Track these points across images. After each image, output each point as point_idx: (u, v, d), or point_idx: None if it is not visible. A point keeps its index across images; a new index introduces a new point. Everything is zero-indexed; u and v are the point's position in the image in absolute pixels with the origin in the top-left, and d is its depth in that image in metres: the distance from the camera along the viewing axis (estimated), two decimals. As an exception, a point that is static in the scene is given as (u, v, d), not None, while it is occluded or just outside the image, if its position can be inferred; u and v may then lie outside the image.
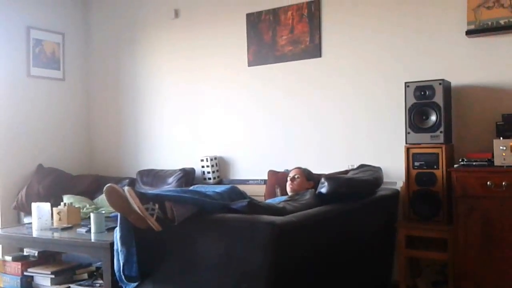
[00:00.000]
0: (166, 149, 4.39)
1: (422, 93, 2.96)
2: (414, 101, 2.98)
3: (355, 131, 3.52)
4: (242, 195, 2.49)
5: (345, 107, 3.57)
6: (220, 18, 4.09)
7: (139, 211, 2.19)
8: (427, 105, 2.94)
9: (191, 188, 2.63)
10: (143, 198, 2.22)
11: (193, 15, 4.22)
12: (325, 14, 3.61)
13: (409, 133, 2.98)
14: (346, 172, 3.07)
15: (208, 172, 3.99)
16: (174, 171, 4.10)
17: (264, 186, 3.61)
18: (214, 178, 3.99)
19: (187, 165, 4.14)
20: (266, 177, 3.62)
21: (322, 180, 2.59)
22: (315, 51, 3.64)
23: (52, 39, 4.45)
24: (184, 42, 4.28)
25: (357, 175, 2.86)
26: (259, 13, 3.88)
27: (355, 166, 3.17)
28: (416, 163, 2.96)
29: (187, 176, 4.04)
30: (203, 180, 4.01)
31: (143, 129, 4.53)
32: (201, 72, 4.20)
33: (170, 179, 4.06)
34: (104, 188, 2.25)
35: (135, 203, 2.19)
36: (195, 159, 4.08)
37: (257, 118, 3.94)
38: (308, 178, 3.06)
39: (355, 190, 2.65)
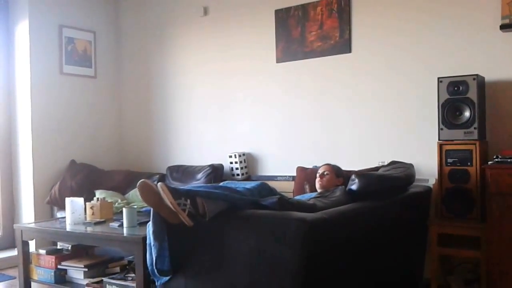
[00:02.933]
0: (195, 145, 4.43)
1: (456, 88, 2.90)
2: (448, 96, 2.92)
3: (386, 127, 3.48)
4: (271, 191, 2.49)
5: (375, 102, 3.53)
6: (248, 14, 4.09)
7: (171, 206, 2.22)
8: (460, 100, 2.88)
9: (221, 184, 2.64)
10: (176, 193, 2.25)
11: (222, 12, 4.24)
12: (356, 9, 3.58)
13: (442, 129, 2.93)
14: (377, 169, 3.03)
15: (237, 168, 4.01)
16: (203, 167, 4.14)
17: (293, 182, 3.61)
18: (242, 174, 4.01)
19: (216, 161, 4.18)
20: (294, 174, 3.62)
21: (353, 177, 2.57)
22: (344, 46, 3.61)
23: (84, 37, 4.54)
24: (212, 39, 4.30)
25: (388, 172, 2.82)
26: (288, 9, 3.86)
27: (386, 163, 3.13)
28: (449, 160, 2.91)
29: (216, 172, 4.08)
30: (231, 176, 4.03)
31: (172, 126, 4.58)
32: (229, 68, 4.22)
33: (199, 175, 4.10)
34: (138, 183, 2.29)
35: (167, 199, 2.22)
36: (223, 155, 4.11)
37: (286, 114, 3.94)
38: (338, 174, 3.04)
39: (386, 187, 2.61)
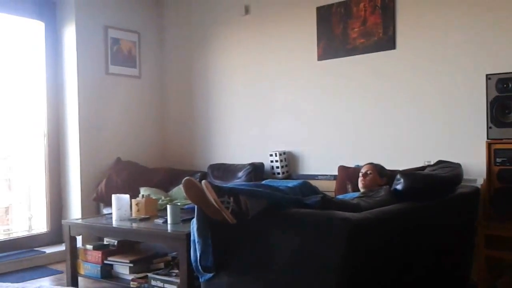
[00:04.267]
0: (236, 144, 4.46)
1: (505, 85, 2.81)
2: (496, 94, 2.83)
3: (431, 125, 3.39)
4: (314, 190, 2.48)
5: (420, 100, 3.44)
6: (290, 12, 4.08)
7: (215, 203, 2.24)
8: (510, 98, 2.78)
9: (263, 182, 2.65)
10: (219, 191, 2.27)
11: (263, 10, 4.25)
12: (400, 4, 3.50)
13: (490, 127, 2.83)
14: (423, 168, 2.96)
15: (277, 167, 4.01)
16: (243, 166, 4.16)
17: (334, 181, 3.57)
18: (283, 173, 4.01)
19: (256, 159, 4.19)
20: (336, 173, 3.58)
21: (398, 176, 2.51)
22: (388, 43, 3.54)
23: (129, 38, 4.65)
24: (254, 38, 4.31)
25: (435, 171, 2.75)
26: (330, 6, 3.83)
27: (431, 163, 3.05)
28: (498, 159, 2.81)
29: (256, 170, 4.09)
30: (271, 175, 4.04)
31: (214, 124, 4.63)
32: (270, 67, 4.22)
33: (240, 174, 4.12)
34: (183, 181, 2.32)
35: (211, 196, 2.24)
36: (264, 154, 4.12)
37: (327, 112, 3.91)
38: (381, 174, 2.98)
39: (433, 188, 2.55)
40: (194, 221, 2.44)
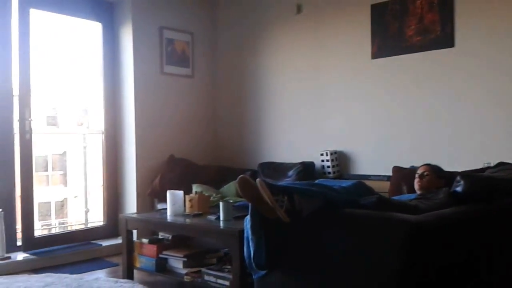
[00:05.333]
0: (287, 142, 4.46)
1: None
2: None
3: (491, 126, 3.26)
4: (369, 190, 2.44)
5: (479, 99, 3.32)
6: (343, 10, 4.04)
7: (269, 202, 2.25)
8: None
9: (316, 181, 2.64)
10: (273, 189, 2.28)
11: (315, 9, 4.22)
12: (459, 0, 3.39)
13: (558, 129, 2.69)
14: (483, 170, 2.85)
15: (328, 167, 3.98)
16: (294, 165, 4.16)
17: (388, 182, 3.50)
18: (334, 172, 3.97)
19: (307, 159, 4.17)
20: (390, 173, 3.51)
21: (458, 178, 2.43)
22: (447, 40, 3.43)
23: (183, 39, 4.74)
24: (306, 37, 4.30)
25: (495, 174, 2.65)
26: (385, 3, 3.75)
27: (491, 164, 2.93)
28: None
29: (307, 170, 4.08)
30: (322, 174, 4.01)
31: (265, 123, 4.65)
32: (322, 66, 4.19)
33: (290, 172, 4.12)
34: (237, 179, 2.34)
35: (265, 194, 2.25)
36: (315, 153, 4.10)
37: (381, 111, 3.84)
38: (439, 175, 2.88)
39: (495, 191, 2.45)
40: (248, 218, 2.47)
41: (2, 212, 3.68)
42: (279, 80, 4.53)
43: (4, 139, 3.84)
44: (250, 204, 2.42)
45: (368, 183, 3.37)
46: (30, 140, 3.95)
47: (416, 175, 2.93)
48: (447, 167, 3.05)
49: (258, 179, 2.31)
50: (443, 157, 3.35)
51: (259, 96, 4.69)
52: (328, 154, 3.97)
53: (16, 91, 3.93)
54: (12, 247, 3.83)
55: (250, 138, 4.76)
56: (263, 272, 2.44)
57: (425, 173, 2.89)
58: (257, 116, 4.71)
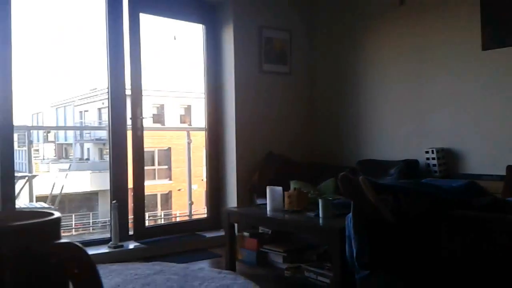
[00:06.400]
0: (388, 140, 4.33)
1: None
2: None
3: None
4: (481, 191, 2.30)
5: None
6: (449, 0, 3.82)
7: (373, 201, 2.21)
8: None
9: (423, 181, 2.54)
10: (378, 188, 2.23)
11: None
12: None
13: None
14: None
15: (434, 165, 3.79)
16: (395, 162, 4.01)
17: (501, 182, 3.26)
18: (441, 171, 3.77)
19: (410, 156, 4.01)
20: (503, 173, 3.26)
21: None
22: None
23: (281, 37, 4.79)
24: (409, 29, 4.13)
25: None
26: (498, -11, 3.48)
27: None
28: None
29: (410, 168, 3.91)
30: (427, 173, 3.82)
31: (364, 119, 4.55)
32: (426, 59, 4.00)
33: (392, 170, 3.98)
34: (339, 176, 2.33)
35: (369, 193, 2.21)
36: (418, 150, 3.93)
37: (493, 106, 3.57)
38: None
39: None
40: (350, 216, 2.44)
41: (116, 204, 3.99)
42: (380, 74, 4.40)
43: (119, 136, 4.16)
44: (352, 203, 2.39)
45: (479, 183, 3.20)
46: (141, 137, 4.24)
47: (536, 176, 2.70)
48: None
49: (361, 177, 2.27)
50: None
51: (359, 91, 4.59)
52: (434, 151, 3.78)
53: (128, 91, 4.25)
54: (124, 236, 4.12)
55: (348, 135, 4.69)
56: (366, 272, 2.40)
57: (547, 174, 2.65)
58: (356, 112, 4.62)
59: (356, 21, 4.59)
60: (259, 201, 4.23)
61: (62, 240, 0.49)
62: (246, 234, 3.57)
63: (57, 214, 0.48)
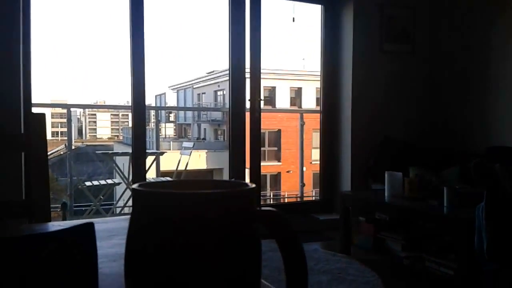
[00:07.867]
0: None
1: None
2: None
3: None
4: None
5: None
6: None
7: (510, 191, 2.04)
8: None
9: None
10: (517, 178, 2.05)
11: None
12: None
13: None
14: None
15: None
16: (534, 150, 3.64)
17: None
18: None
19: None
20: None
21: None
22: None
23: (403, 15, 4.56)
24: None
25: None
26: None
27: None
28: None
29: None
30: None
31: (494, 101, 4.17)
32: None
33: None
34: (472, 164, 2.18)
35: (507, 183, 2.05)
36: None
37: None
38: None
39: None
40: (482, 206, 2.28)
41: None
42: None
43: (239, 118, 4.31)
44: (485, 192, 2.23)
45: None
46: (259, 118, 4.35)
47: None
48: None
49: (498, 165, 2.10)
50: None
51: (488, 71, 4.21)
52: None
53: (247, 74, 4.36)
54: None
55: (475, 119, 4.34)
56: (496, 264, 2.23)
57: None
58: (484, 93, 4.25)
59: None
60: (374, 186, 4.13)
61: (265, 208, 0.52)
62: (362, 219, 3.51)
63: (252, 184, 0.51)
